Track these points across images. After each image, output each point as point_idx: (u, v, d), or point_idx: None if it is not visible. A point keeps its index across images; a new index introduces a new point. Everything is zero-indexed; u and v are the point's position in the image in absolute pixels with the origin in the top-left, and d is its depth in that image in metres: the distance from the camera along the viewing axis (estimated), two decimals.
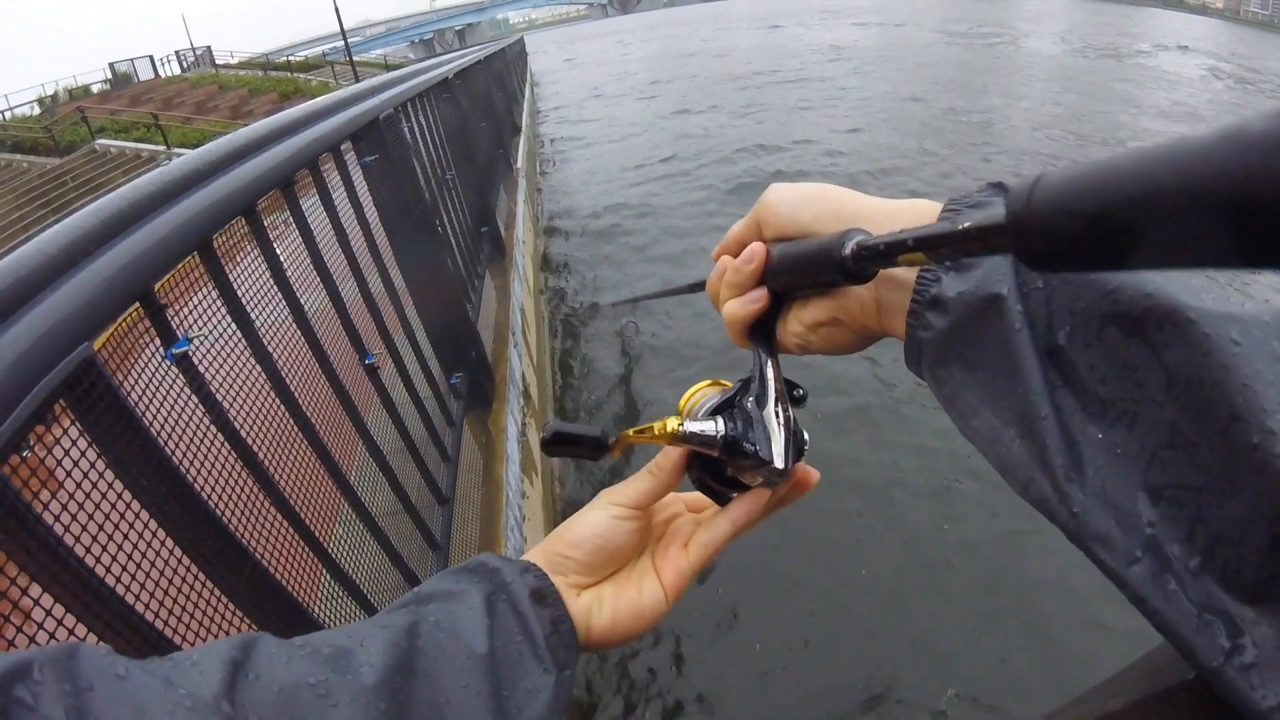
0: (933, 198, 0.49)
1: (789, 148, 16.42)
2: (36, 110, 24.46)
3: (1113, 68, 28.50)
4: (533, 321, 6.85)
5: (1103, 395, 0.38)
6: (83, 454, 0.98)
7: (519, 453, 3.84)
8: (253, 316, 1.58)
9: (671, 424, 0.54)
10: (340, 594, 1.78)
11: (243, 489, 1.42)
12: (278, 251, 1.78)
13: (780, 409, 0.53)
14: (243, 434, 1.43)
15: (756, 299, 0.54)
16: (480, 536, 3.00)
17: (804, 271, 0.50)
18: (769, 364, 0.55)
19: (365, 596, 1.88)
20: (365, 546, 2.02)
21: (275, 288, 1.78)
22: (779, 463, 0.52)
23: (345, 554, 1.88)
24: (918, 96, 21.66)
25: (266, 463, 1.51)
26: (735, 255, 0.57)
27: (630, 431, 0.57)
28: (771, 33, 49.32)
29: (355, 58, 30.58)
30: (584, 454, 0.58)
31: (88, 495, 0.98)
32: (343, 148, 2.47)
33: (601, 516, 0.57)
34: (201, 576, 1.19)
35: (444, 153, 4.77)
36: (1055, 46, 35.34)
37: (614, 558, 0.57)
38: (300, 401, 1.74)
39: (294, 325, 1.86)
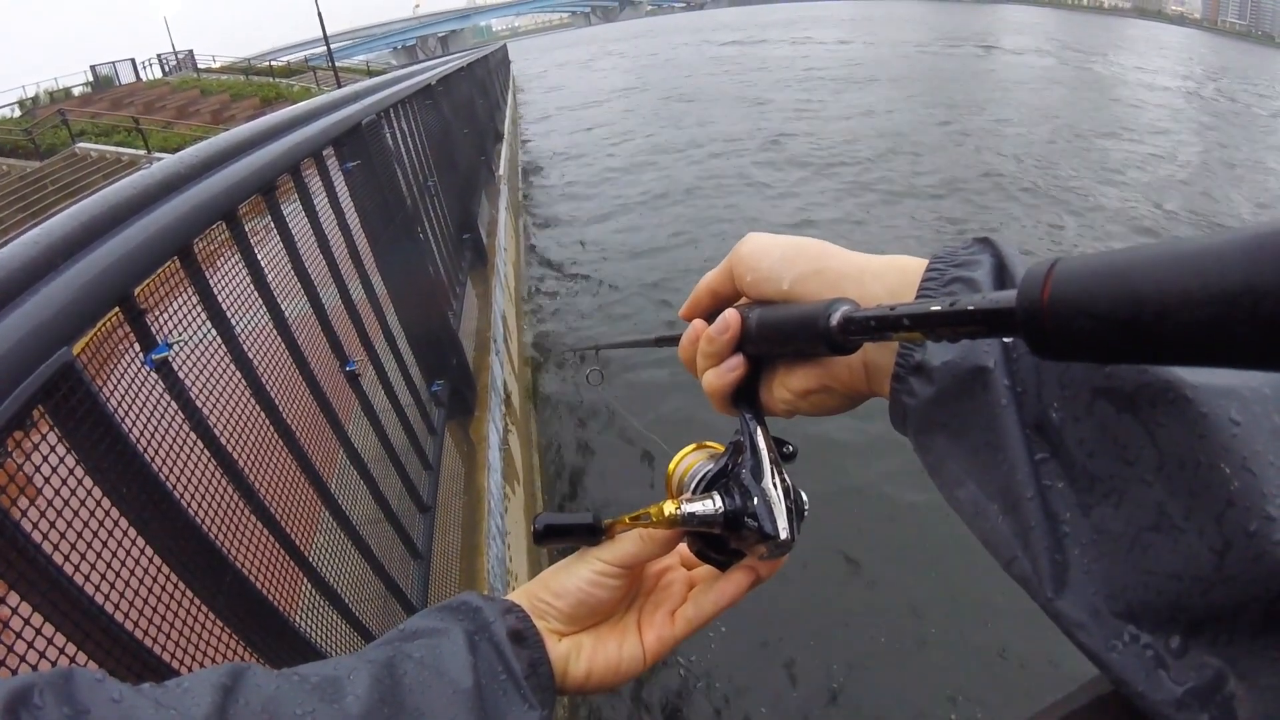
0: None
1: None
2: (17, 112, 24.16)
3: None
4: (514, 329, 6.84)
5: (1091, 470, 0.36)
6: (61, 460, 0.97)
7: (500, 461, 3.83)
8: (234, 322, 1.56)
9: (669, 508, 0.52)
10: (321, 603, 1.77)
11: (223, 497, 1.40)
12: (259, 257, 1.77)
13: (777, 477, 0.52)
14: (223, 441, 1.42)
15: (734, 367, 0.53)
16: (462, 545, 2.98)
17: (786, 341, 0.49)
18: (758, 431, 0.53)
19: (346, 606, 1.86)
20: (346, 555, 2.00)
21: (256, 293, 1.77)
22: (784, 535, 0.50)
23: (326, 563, 1.86)
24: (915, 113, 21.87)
25: (247, 470, 1.49)
26: (707, 307, 0.56)
27: (626, 517, 0.55)
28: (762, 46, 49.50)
29: (338, 63, 30.46)
30: (577, 543, 0.57)
31: (66, 502, 0.96)
32: (325, 153, 2.46)
33: (586, 572, 0.56)
34: (181, 585, 1.18)
35: (426, 159, 4.76)
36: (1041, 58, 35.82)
37: (596, 611, 0.57)
38: (281, 408, 1.72)
39: (275, 331, 1.84)
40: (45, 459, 0.96)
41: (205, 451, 1.37)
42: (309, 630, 1.63)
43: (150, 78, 29.97)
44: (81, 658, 0.93)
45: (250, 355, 1.63)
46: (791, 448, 0.56)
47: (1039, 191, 13.97)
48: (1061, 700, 0.43)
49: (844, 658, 4.53)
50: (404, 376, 3.04)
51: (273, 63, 35.99)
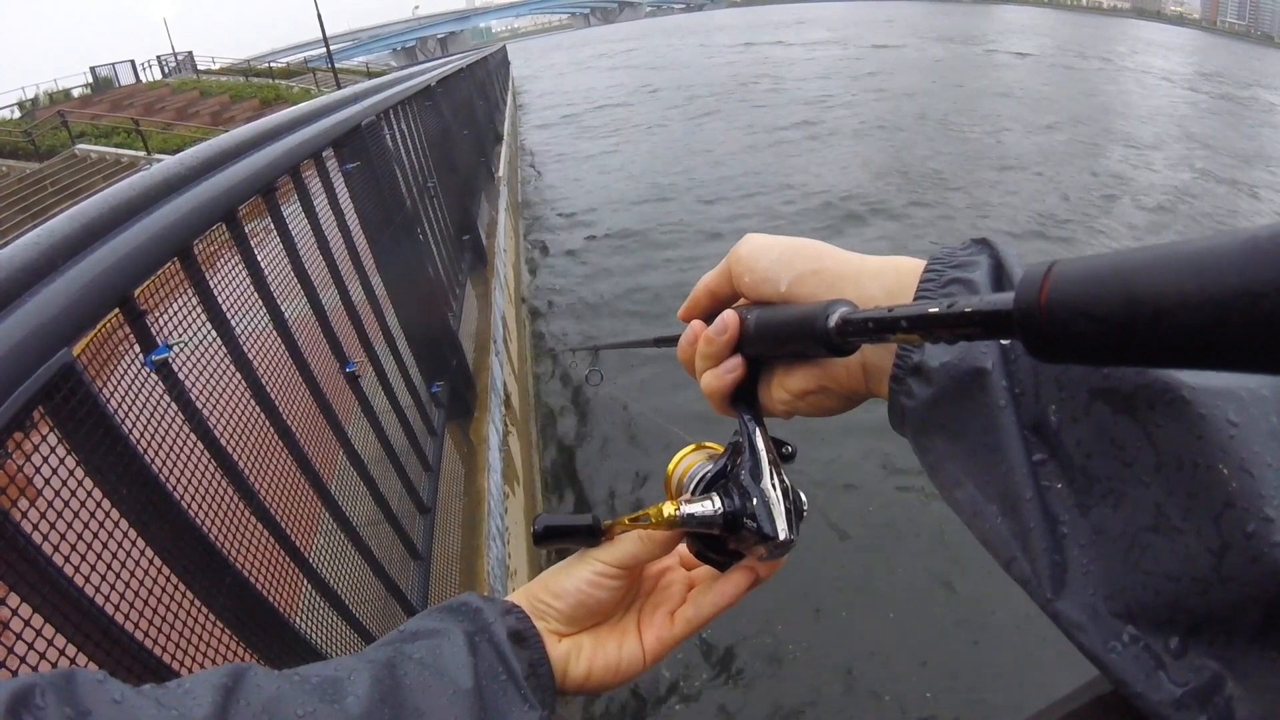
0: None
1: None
2: (16, 114, 24.14)
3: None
4: (514, 330, 6.84)
5: (1089, 471, 0.36)
6: (61, 462, 0.97)
7: (500, 462, 3.83)
8: (233, 324, 1.56)
9: (668, 509, 0.52)
10: (321, 604, 1.77)
11: (223, 498, 1.40)
12: (259, 258, 1.77)
13: (776, 478, 0.52)
14: (223, 443, 1.42)
15: (732, 369, 0.53)
16: (462, 546, 2.98)
17: (784, 342, 0.48)
18: (757, 432, 0.53)
19: (347, 607, 1.86)
20: (346, 556, 2.00)
21: (256, 294, 1.77)
22: (782, 535, 0.50)
23: (326, 564, 1.86)
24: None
25: (247, 472, 1.49)
26: (705, 308, 0.56)
27: (625, 519, 0.55)
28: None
29: (337, 65, 30.45)
30: (576, 544, 0.57)
31: (66, 504, 0.96)
32: (325, 154, 2.46)
33: (585, 573, 0.56)
34: (181, 586, 1.17)
35: (426, 160, 4.76)
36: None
37: (595, 612, 0.57)
38: (281, 410, 1.72)
39: (275, 333, 1.84)
40: (45, 460, 0.96)
41: (205, 453, 1.37)
42: (309, 631, 1.63)
43: (150, 79, 29.90)
44: (82, 659, 0.93)
45: (250, 356, 1.63)
46: (790, 448, 0.56)
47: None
48: (1061, 700, 0.43)
49: (838, 656, 4.52)
50: (404, 378, 3.04)
51: (272, 64, 36.09)
